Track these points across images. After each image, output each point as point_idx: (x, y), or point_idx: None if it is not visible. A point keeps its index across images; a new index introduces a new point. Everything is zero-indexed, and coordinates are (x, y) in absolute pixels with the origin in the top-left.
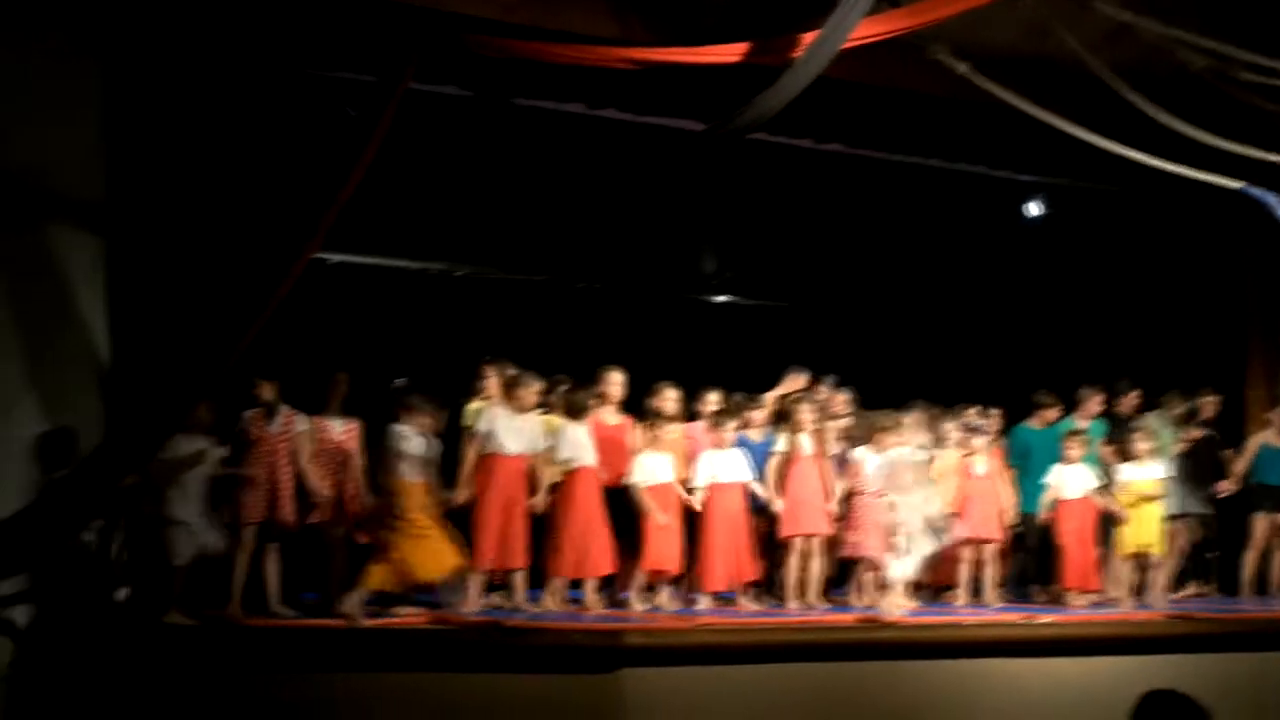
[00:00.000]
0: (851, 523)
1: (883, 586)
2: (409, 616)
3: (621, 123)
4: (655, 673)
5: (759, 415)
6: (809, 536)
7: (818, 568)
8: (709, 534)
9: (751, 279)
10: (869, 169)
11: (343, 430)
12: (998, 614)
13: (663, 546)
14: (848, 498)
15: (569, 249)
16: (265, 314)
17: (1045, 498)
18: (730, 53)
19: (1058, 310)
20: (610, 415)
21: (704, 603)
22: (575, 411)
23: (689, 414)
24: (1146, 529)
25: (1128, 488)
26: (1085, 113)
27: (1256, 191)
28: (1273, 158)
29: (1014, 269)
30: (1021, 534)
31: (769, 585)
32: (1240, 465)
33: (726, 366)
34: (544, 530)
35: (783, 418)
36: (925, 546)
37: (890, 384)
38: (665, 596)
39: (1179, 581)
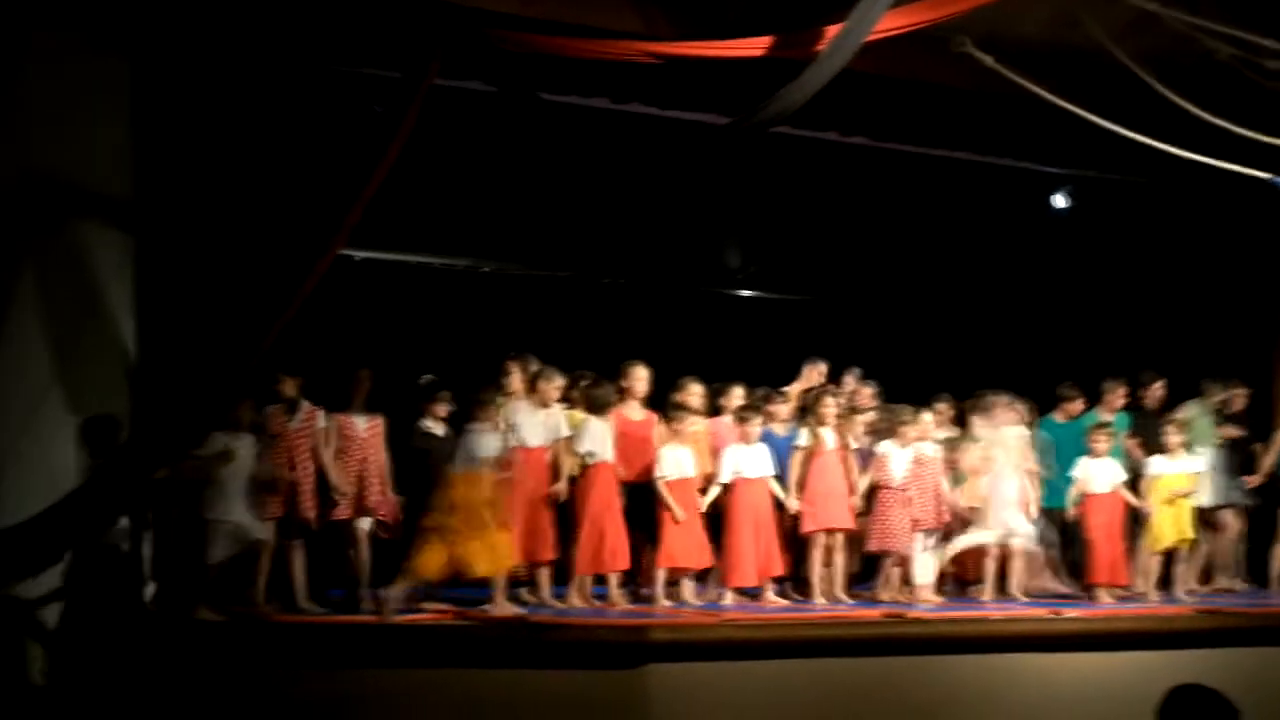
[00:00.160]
0: (876, 517)
1: (908, 581)
2: (435, 612)
3: (646, 117)
4: (681, 668)
5: (784, 409)
6: (832, 531)
7: (842, 562)
8: (734, 529)
9: (776, 273)
10: (894, 162)
11: (366, 426)
12: (1025, 608)
13: (682, 542)
14: (873, 492)
15: (593, 244)
16: (291, 310)
17: (1073, 491)
18: (754, 46)
19: (1084, 303)
20: (635, 411)
21: (729, 598)
22: (597, 406)
23: (713, 409)
24: (1180, 523)
25: (1158, 482)
26: (1111, 104)
27: None
28: None
29: (1040, 262)
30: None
31: (795, 580)
32: (1269, 459)
33: (751, 361)
34: (567, 525)
35: (807, 411)
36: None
37: (916, 378)
38: (689, 592)
39: (1223, 573)
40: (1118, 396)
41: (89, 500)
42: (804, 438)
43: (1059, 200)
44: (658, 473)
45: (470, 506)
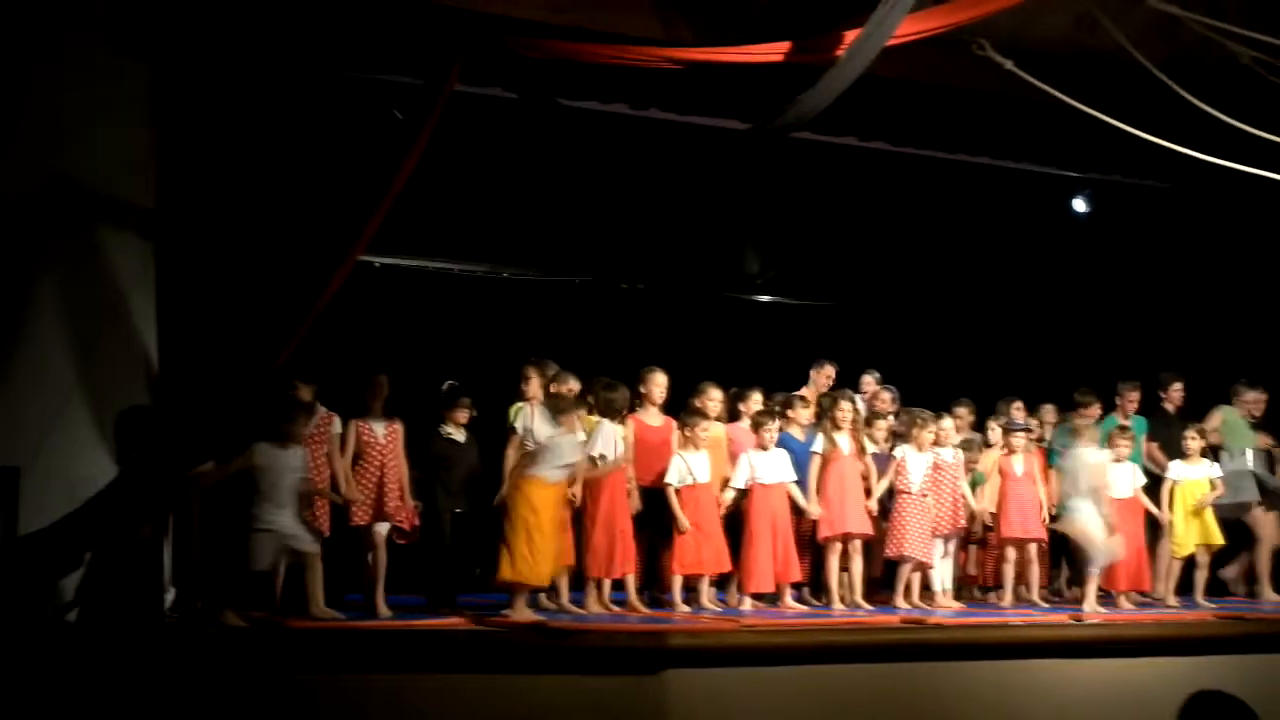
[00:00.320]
0: (893, 522)
1: (928, 587)
2: (454, 618)
3: (665, 122)
4: (699, 674)
5: (805, 415)
6: (848, 537)
7: (859, 568)
8: (752, 535)
9: (795, 278)
10: (913, 167)
11: (385, 432)
12: (1045, 614)
13: (696, 548)
14: (891, 497)
15: (612, 249)
16: (311, 316)
17: None
18: (773, 51)
19: (1103, 308)
20: (653, 416)
21: (748, 603)
22: (610, 411)
23: (732, 414)
24: (1206, 527)
25: (1179, 487)
26: (1132, 108)
27: None
28: None
29: (1060, 266)
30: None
31: (814, 586)
32: None
33: (770, 366)
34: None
35: (823, 416)
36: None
37: (935, 383)
38: (707, 597)
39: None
40: (1131, 400)
41: (114, 502)
42: (820, 443)
43: (1079, 205)
44: (667, 479)
45: (551, 508)
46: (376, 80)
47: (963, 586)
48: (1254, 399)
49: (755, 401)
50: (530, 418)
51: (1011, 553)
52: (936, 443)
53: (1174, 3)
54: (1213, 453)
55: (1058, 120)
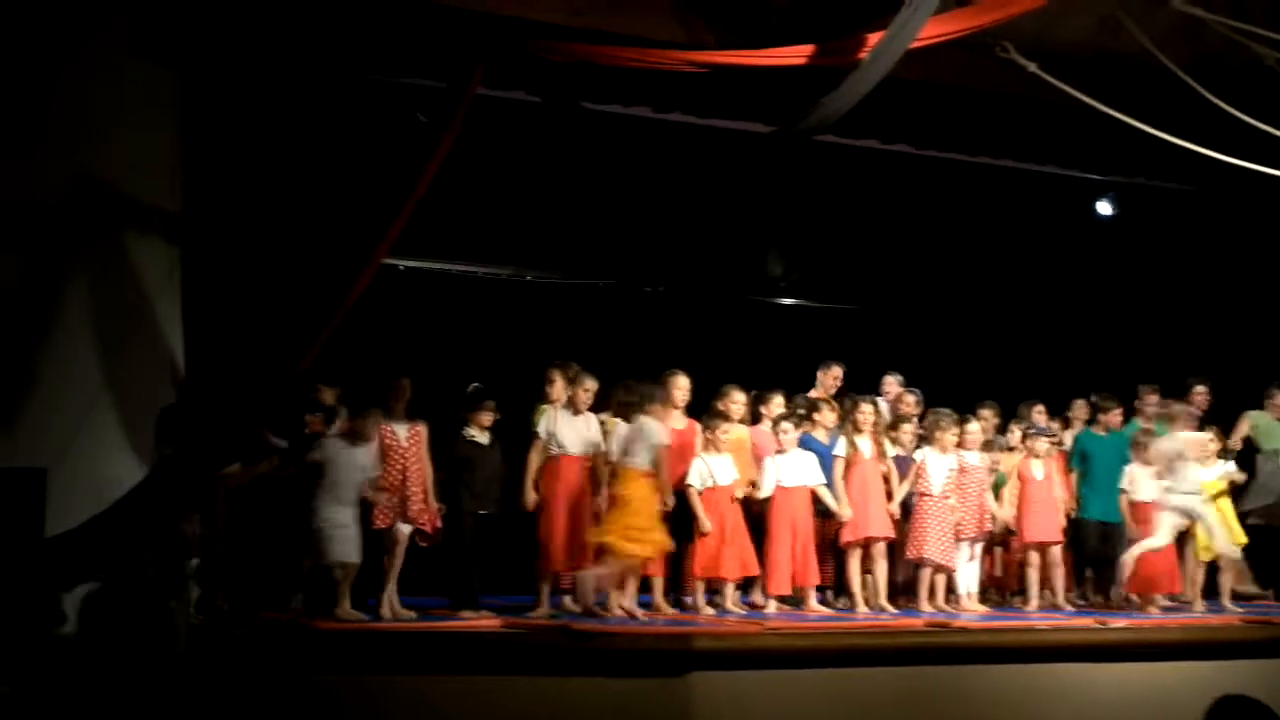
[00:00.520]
0: (914, 526)
1: (952, 590)
2: (479, 619)
3: (688, 125)
4: (724, 676)
5: (830, 418)
6: (870, 540)
7: (882, 571)
8: (774, 538)
9: (819, 281)
10: (937, 169)
11: (408, 434)
12: (1070, 618)
13: (714, 551)
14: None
15: (635, 252)
16: (336, 319)
17: (1122, 501)
18: (796, 54)
19: (1129, 311)
20: (676, 419)
21: (772, 606)
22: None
23: (755, 416)
24: (1227, 526)
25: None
26: (1156, 110)
27: None
28: None
29: (1085, 269)
30: (1081, 541)
31: (839, 589)
32: None
33: (793, 369)
34: None
35: (845, 419)
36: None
37: (960, 385)
38: (732, 600)
39: None
40: (1151, 403)
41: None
42: (841, 447)
43: (1103, 207)
44: (688, 481)
45: (644, 499)
46: (400, 84)
47: (988, 590)
48: None
49: (777, 404)
50: (554, 420)
51: (1034, 557)
52: (960, 445)
53: (1198, 5)
54: (1240, 457)
55: (1082, 123)
